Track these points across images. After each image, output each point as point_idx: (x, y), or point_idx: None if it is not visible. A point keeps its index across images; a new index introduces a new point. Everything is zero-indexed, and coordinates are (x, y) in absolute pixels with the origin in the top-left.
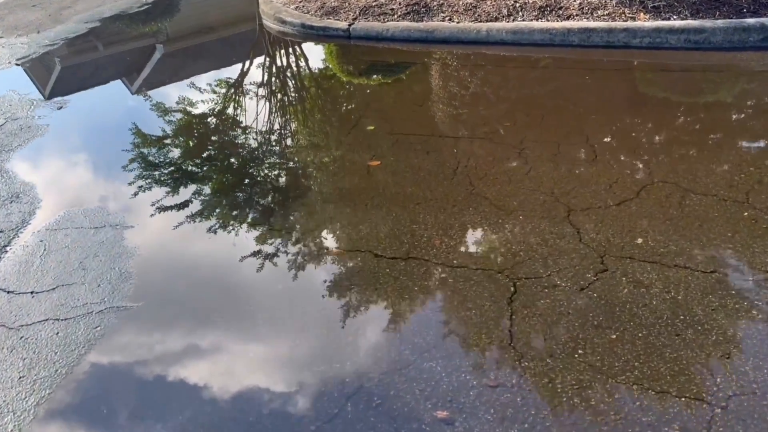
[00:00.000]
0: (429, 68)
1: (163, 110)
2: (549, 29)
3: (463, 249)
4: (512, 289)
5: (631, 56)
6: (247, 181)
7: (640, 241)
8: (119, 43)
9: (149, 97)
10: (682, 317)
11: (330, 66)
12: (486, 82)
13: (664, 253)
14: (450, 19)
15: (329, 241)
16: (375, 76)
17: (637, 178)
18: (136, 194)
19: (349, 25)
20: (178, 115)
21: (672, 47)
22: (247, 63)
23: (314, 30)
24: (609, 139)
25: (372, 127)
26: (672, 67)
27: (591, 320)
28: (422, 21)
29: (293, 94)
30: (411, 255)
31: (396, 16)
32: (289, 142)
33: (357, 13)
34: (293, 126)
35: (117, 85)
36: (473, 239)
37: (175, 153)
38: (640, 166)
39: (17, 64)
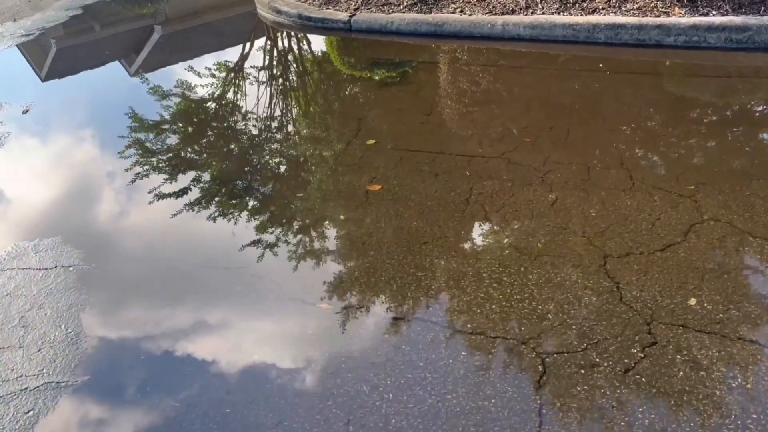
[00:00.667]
0: (438, 68)
1: (154, 99)
2: (572, 24)
3: (478, 308)
4: (540, 368)
5: (664, 56)
6: (227, 211)
7: (693, 302)
8: (100, 32)
9: (146, 79)
10: (755, 416)
11: (327, 65)
12: (502, 87)
13: (723, 321)
14: (461, 11)
15: (315, 291)
16: (377, 78)
17: (684, 215)
18: (94, 225)
19: (350, 17)
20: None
21: (711, 47)
22: (230, 64)
23: (312, 21)
24: (646, 161)
25: (373, 141)
26: (712, 71)
27: (641, 418)
28: (431, 12)
29: (283, 99)
30: (416, 315)
31: (402, 7)
32: (276, 157)
33: (359, 2)
34: (282, 139)
35: (97, 79)
36: (491, 294)
37: (133, 191)
38: (686, 197)
39: None
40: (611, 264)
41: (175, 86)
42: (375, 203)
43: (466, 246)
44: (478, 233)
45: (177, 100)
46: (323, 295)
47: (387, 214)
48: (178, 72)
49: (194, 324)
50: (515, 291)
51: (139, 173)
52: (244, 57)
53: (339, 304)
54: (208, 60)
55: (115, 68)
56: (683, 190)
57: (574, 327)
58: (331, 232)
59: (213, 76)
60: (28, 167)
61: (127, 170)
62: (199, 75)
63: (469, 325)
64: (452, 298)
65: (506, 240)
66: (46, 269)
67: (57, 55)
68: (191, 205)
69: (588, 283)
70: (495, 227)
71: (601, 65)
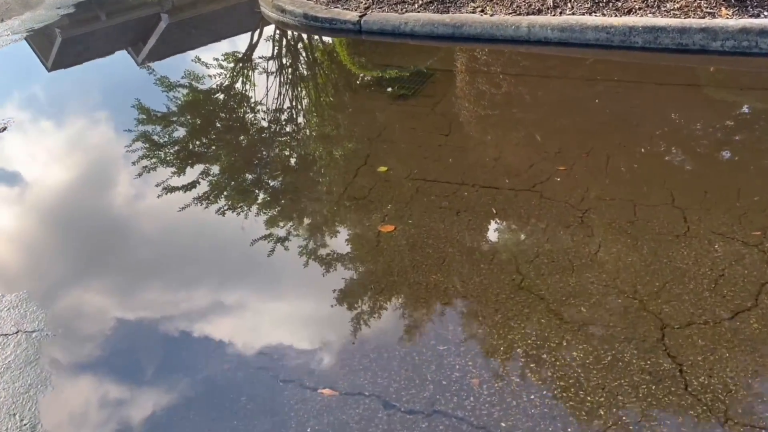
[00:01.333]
0: (456, 77)
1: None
2: (606, 27)
3: (514, 399)
4: None
5: (710, 63)
6: (214, 263)
7: None
8: (106, 21)
9: (152, 70)
10: None
11: (334, 74)
12: (530, 101)
13: None
14: (482, 11)
15: (316, 372)
16: (390, 89)
17: (752, 270)
18: (69, 274)
19: (361, 17)
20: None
21: (763, 53)
22: (224, 81)
23: (318, 21)
24: (701, 197)
25: (384, 168)
26: (766, 82)
27: None
28: (448, 12)
29: (284, 118)
30: (437, 406)
31: (417, 6)
32: (275, 188)
33: (370, 0)
34: (282, 165)
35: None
36: (529, 380)
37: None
38: (752, 246)
39: None
40: (671, 337)
41: (182, 77)
42: (387, 249)
43: (496, 310)
44: (510, 292)
45: (183, 92)
46: (325, 378)
47: (401, 264)
48: (185, 63)
49: (175, 419)
50: (558, 375)
51: (120, 209)
52: (236, 74)
53: (345, 388)
54: (206, 58)
55: (122, 57)
56: (748, 236)
57: (632, 428)
58: (336, 288)
59: (198, 81)
60: (8, 182)
61: (110, 204)
62: (194, 79)
63: (503, 424)
64: (482, 384)
65: (543, 302)
66: (6, 335)
67: (62, 44)
68: (171, 273)
69: (645, 364)
70: (529, 284)
71: (639, 74)
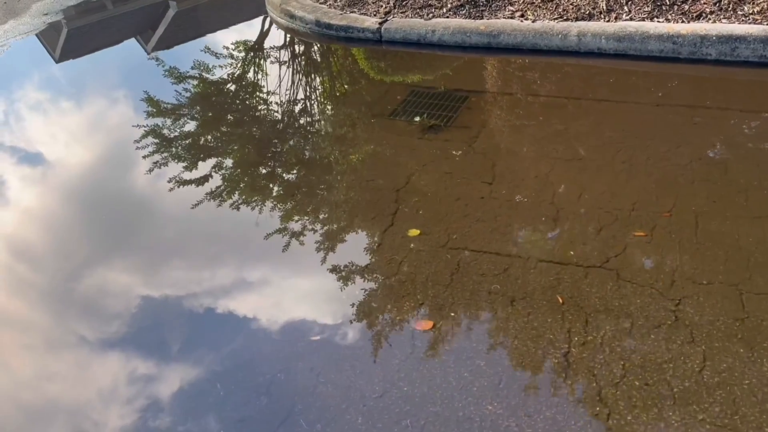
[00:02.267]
0: (496, 103)
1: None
2: (672, 35)
3: None
4: None
5: None
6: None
7: None
8: (113, 10)
9: (161, 62)
10: None
11: (349, 92)
12: (590, 136)
13: None
14: (522, 16)
15: None
16: (417, 118)
17: None
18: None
19: (381, 24)
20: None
21: None
22: (229, 66)
23: (333, 30)
24: None
25: (417, 232)
26: None
27: None
28: (482, 17)
29: (288, 160)
30: None
31: (445, 10)
32: (276, 270)
33: (391, 4)
34: (287, 230)
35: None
36: None
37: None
38: None
39: None
40: None
41: (192, 68)
42: (426, 360)
43: None
44: None
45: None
46: None
47: (445, 385)
48: (194, 51)
49: None
50: None
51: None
52: (232, 101)
53: None
54: (215, 48)
55: (131, 46)
56: None
57: None
58: (362, 426)
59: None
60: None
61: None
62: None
63: None
64: None
65: None
66: None
67: (69, 34)
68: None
69: None
70: (619, 423)
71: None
